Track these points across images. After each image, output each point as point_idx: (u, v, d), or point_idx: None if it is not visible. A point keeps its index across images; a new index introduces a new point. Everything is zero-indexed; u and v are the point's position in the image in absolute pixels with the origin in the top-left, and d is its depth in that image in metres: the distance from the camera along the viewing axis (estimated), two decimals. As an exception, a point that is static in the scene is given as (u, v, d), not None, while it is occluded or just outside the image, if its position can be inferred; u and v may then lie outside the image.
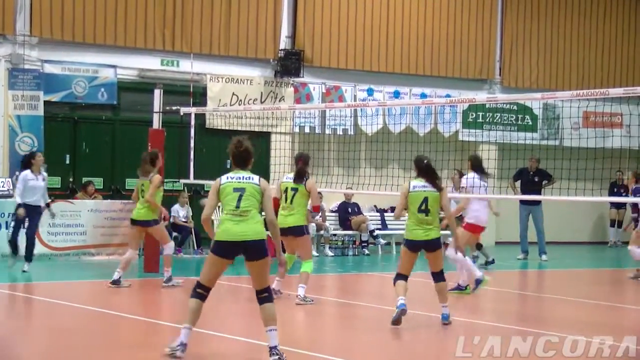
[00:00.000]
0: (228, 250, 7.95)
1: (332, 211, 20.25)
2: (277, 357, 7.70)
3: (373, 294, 13.78)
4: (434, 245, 10.08)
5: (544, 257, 19.28)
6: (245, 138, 8.30)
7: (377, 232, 19.92)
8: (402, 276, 10.09)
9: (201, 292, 8.03)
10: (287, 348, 8.04)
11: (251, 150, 8.22)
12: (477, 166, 12.98)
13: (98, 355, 8.35)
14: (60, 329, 9.68)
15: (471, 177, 12.92)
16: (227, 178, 8.09)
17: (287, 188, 11.72)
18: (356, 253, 19.57)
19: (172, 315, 10.54)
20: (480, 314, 12.09)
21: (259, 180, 8.10)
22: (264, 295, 7.93)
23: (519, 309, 12.89)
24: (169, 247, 13.38)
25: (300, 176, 11.78)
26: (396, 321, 9.72)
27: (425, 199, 9.99)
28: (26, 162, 14.71)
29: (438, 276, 10.14)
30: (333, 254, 19.16)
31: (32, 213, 14.43)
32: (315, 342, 9.51)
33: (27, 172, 14.40)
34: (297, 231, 11.61)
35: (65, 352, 8.47)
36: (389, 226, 20.58)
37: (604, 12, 24.33)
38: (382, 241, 20.09)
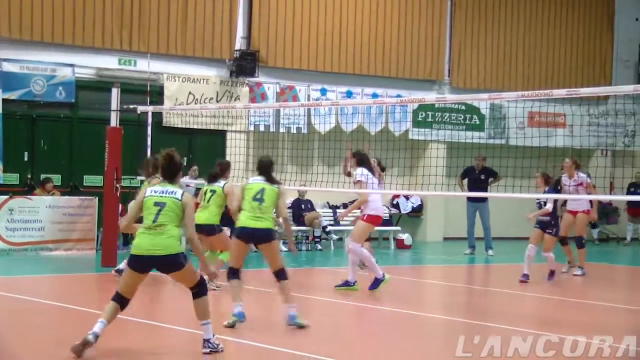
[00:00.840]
0: (141, 264, 7.97)
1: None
2: (208, 349, 7.97)
3: (325, 288, 13.90)
4: (265, 236, 9.61)
5: (490, 252, 19.55)
6: (174, 151, 8.28)
7: (329, 227, 20.07)
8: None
9: (121, 301, 8.06)
10: (243, 341, 8.12)
11: (180, 164, 8.24)
12: (363, 162, 12.91)
13: (52, 348, 8.38)
14: (19, 323, 9.67)
15: (364, 172, 12.68)
16: (152, 191, 8.08)
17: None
18: (309, 248, 19.68)
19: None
20: (428, 308, 12.29)
21: (182, 195, 8.02)
22: (195, 291, 8.09)
23: (466, 301, 13.11)
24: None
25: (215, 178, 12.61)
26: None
27: (262, 190, 9.68)
28: None
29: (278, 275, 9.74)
30: (285, 249, 19.23)
31: None
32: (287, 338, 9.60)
33: None
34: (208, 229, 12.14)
35: (17, 346, 8.47)
36: (341, 222, 20.71)
37: (547, 17, 24.67)
38: (335, 237, 20.26)
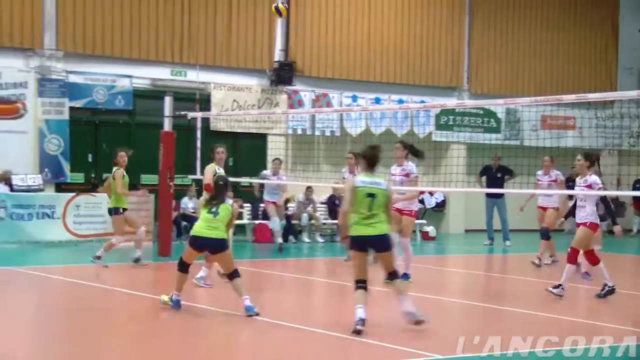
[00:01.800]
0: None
1: (322, 203, 20.48)
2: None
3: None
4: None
5: (507, 242, 19.56)
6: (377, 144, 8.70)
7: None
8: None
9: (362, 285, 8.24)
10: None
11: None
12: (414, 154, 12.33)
13: (117, 327, 8.58)
14: (85, 307, 9.90)
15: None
16: (362, 182, 8.32)
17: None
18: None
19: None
20: (449, 293, 12.36)
21: (387, 185, 8.44)
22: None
23: (484, 287, 13.17)
24: None
25: None
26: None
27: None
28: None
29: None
30: (323, 241, 19.42)
31: None
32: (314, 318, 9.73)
33: None
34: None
35: (83, 329, 8.64)
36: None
37: (558, 28, 24.59)
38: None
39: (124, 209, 13.59)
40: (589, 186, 10.86)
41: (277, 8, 16.94)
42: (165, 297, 9.46)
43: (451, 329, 8.99)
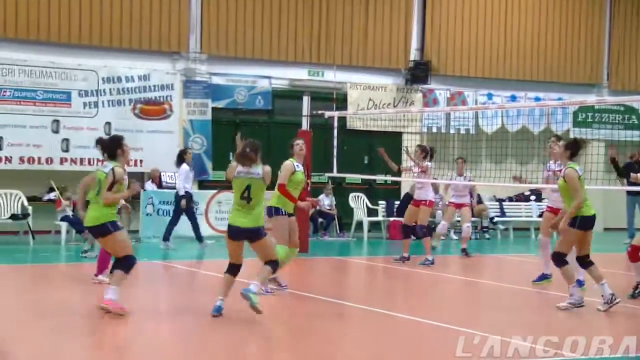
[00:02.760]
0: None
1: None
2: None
3: (493, 274, 13.73)
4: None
5: (648, 241, 18.67)
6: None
7: (496, 219, 19.79)
8: None
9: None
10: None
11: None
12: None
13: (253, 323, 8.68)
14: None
15: None
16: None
17: None
18: (478, 237, 19.47)
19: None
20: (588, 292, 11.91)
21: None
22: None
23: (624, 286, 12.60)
24: None
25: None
26: None
27: None
28: (180, 157, 15.34)
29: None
30: (457, 238, 19.12)
31: (191, 200, 15.13)
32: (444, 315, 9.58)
33: (186, 165, 15.07)
34: None
35: (228, 322, 8.76)
36: (507, 214, 20.42)
37: None
38: (501, 227, 19.94)
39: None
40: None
41: None
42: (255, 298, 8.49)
43: (586, 329, 8.62)
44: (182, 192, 15.05)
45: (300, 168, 10.38)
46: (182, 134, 18.33)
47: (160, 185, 17.31)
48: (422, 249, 14.06)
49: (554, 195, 11.26)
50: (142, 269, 11.61)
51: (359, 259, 15.91)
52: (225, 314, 8.47)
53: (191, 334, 8.00)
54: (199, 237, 15.29)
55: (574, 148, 9.65)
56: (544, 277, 11.57)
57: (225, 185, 18.21)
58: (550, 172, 11.65)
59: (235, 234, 8.66)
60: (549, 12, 21.78)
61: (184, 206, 14.97)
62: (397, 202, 19.26)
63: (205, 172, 18.58)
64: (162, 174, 17.51)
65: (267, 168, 8.87)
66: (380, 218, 19.33)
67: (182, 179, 15.20)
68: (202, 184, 18.58)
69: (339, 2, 19.61)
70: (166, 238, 15.24)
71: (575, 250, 9.63)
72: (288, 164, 10.36)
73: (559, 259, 9.52)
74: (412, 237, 14.61)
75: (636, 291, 10.41)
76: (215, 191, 17.35)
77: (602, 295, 9.54)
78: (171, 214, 15.80)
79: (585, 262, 9.64)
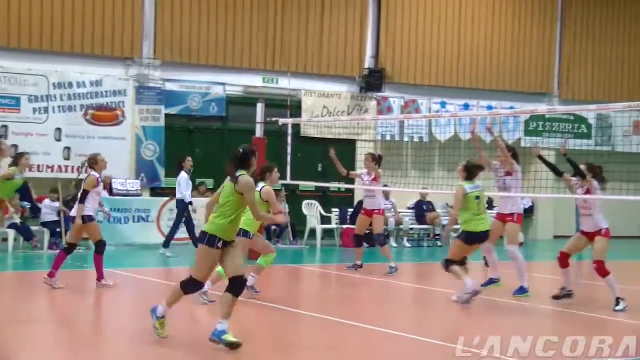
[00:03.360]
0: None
1: (409, 208, 20.21)
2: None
3: (445, 281, 13.69)
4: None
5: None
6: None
7: (449, 226, 19.82)
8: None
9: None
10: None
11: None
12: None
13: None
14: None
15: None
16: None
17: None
18: (430, 245, 19.51)
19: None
20: (538, 299, 11.95)
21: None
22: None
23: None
24: None
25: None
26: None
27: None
28: (179, 164, 15.31)
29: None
30: (410, 246, 19.15)
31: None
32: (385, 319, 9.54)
33: (184, 173, 14.94)
34: None
35: (177, 328, 8.63)
36: (459, 221, 20.45)
37: (653, 32, 23.75)
38: (453, 235, 19.95)
39: None
40: (588, 191, 10.46)
41: None
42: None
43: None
44: (188, 200, 15.01)
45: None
46: (134, 141, 18.09)
47: (111, 192, 17.02)
48: (381, 258, 13.97)
49: (502, 202, 11.77)
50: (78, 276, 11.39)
51: (312, 267, 15.83)
52: (171, 324, 8.27)
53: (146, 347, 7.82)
54: (196, 243, 15.09)
55: (469, 171, 10.66)
56: (491, 282, 11.68)
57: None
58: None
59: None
60: (502, 22, 21.97)
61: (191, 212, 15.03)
62: (351, 210, 19.25)
63: (158, 179, 18.34)
64: (113, 181, 17.21)
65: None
66: (333, 226, 19.27)
67: (183, 187, 15.13)
68: (155, 191, 18.34)
69: (294, 10, 19.54)
70: (166, 245, 15.12)
71: (456, 255, 10.62)
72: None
73: (447, 264, 10.58)
74: (366, 245, 14.55)
75: (560, 294, 10.82)
76: (167, 198, 17.11)
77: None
78: (124, 221, 15.61)
79: (454, 263, 10.56)
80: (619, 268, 14.51)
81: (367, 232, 14.70)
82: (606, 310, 10.28)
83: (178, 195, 15.34)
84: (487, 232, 10.66)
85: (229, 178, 7.75)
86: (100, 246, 11.01)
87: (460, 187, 10.55)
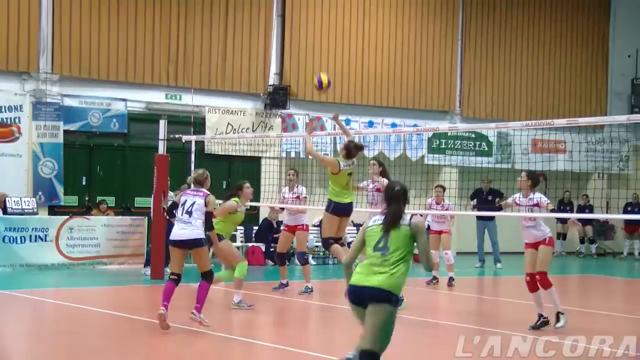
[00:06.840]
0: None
1: (314, 226, 20.22)
2: None
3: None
4: None
5: (498, 265, 19.39)
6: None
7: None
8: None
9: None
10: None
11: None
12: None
13: (106, 346, 8.34)
14: (73, 331, 9.65)
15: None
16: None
17: None
18: (335, 262, 19.57)
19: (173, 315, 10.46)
20: (443, 315, 12.14)
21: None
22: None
23: (477, 309, 12.95)
24: None
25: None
26: None
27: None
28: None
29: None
30: (315, 263, 19.18)
31: None
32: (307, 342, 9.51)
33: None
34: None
35: (77, 352, 8.41)
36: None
37: (549, 54, 24.55)
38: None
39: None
40: (537, 204, 10.17)
41: (319, 81, 12.83)
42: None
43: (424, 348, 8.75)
44: None
45: (242, 209, 11.65)
46: (31, 158, 17.60)
47: (5, 211, 16.43)
48: (299, 275, 13.90)
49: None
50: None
51: (217, 286, 15.61)
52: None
53: None
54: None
55: (349, 150, 11.78)
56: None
57: (78, 212, 17.63)
58: None
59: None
60: (405, 42, 22.34)
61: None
62: (256, 228, 19.18)
63: (57, 197, 17.86)
64: (7, 199, 16.63)
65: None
66: (239, 243, 19.14)
67: None
68: (53, 210, 17.84)
69: (197, 25, 19.41)
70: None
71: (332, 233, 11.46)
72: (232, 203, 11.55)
73: (325, 242, 11.62)
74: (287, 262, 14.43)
75: (538, 322, 9.98)
76: (66, 217, 16.67)
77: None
78: (20, 241, 15.15)
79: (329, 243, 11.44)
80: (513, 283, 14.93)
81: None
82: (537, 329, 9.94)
83: None
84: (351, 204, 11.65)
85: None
86: None
87: (336, 160, 11.68)
